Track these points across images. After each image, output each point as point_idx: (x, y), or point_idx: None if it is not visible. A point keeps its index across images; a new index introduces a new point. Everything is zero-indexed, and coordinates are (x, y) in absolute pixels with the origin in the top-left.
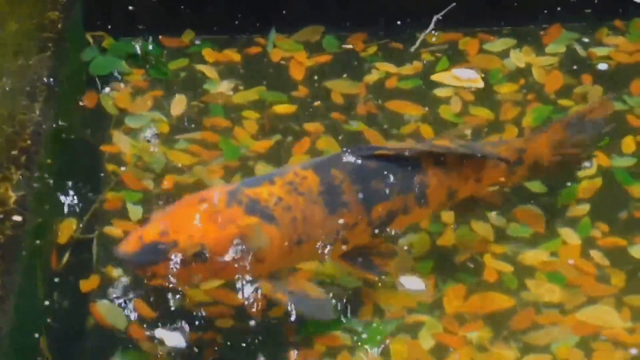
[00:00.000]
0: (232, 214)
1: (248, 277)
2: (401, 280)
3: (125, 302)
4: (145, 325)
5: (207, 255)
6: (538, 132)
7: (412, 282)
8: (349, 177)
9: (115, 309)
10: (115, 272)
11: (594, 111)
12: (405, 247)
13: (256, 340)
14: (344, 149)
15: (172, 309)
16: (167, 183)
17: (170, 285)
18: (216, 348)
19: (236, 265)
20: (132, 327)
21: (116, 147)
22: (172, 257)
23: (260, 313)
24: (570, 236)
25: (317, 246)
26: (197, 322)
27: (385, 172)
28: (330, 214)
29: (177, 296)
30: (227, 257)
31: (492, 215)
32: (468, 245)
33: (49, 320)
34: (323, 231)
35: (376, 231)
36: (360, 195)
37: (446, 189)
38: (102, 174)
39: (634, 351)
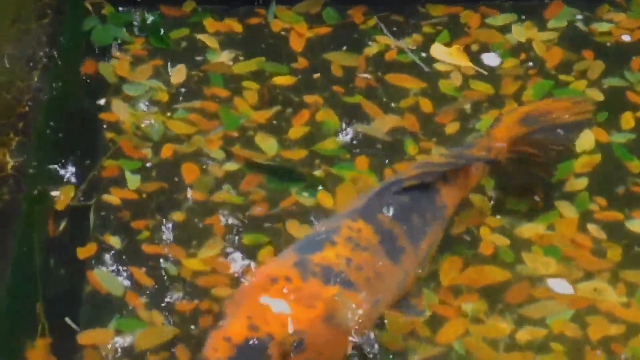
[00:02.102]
0: (312, 289)
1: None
2: None
3: (122, 269)
4: (141, 293)
5: (305, 344)
6: (494, 126)
7: None
8: (393, 219)
9: (112, 277)
10: (112, 239)
11: (558, 112)
12: None
13: None
14: (375, 191)
15: (168, 276)
16: (166, 152)
17: None
18: (212, 317)
19: (332, 348)
20: (128, 295)
21: (115, 115)
22: (273, 353)
23: None
24: (567, 210)
25: (389, 303)
26: (193, 291)
27: (419, 204)
28: (394, 263)
29: (174, 264)
30: (324, 341)
31: (489, 188)
32: (465, 218)
33: (45, 286)
34: (393, 283)
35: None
36: (409, 236)
37: (455, 206)
38: (100, 142)
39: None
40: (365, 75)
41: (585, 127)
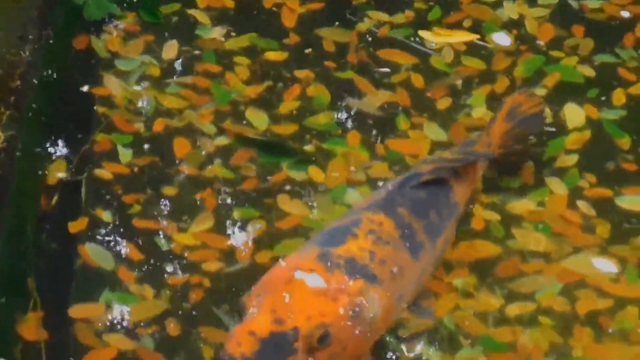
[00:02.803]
0: (337, 282)
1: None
2: None
3: (113, 244)
4: (132, 267)
5: (330, 337)
6: (491, 124)
7: None
8: (412, 214)
9: (103, 251)
10: (104, 214)
11: (523, 105)
12: None
13: (242, 284)
14: (393, 185)
15: (159, 251)
16: (158, 126)
17: None
18: (202, 291)
19: (356, 343)
20: (119, 269)
21: (107, 89)
22: (299, 347)
23: (247, 257)
24: (557, 186)
25: (410, 300)
26: (184, 265)
27: (435, 201)
28: (414, 258)
29: (165, 239)
30: (349, 335)
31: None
32: None
33: (37, 261)
34: (413, 279)
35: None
36: (427, 232)
37: (465, 203)
38: (92, 116)
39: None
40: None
41: (543, 118)
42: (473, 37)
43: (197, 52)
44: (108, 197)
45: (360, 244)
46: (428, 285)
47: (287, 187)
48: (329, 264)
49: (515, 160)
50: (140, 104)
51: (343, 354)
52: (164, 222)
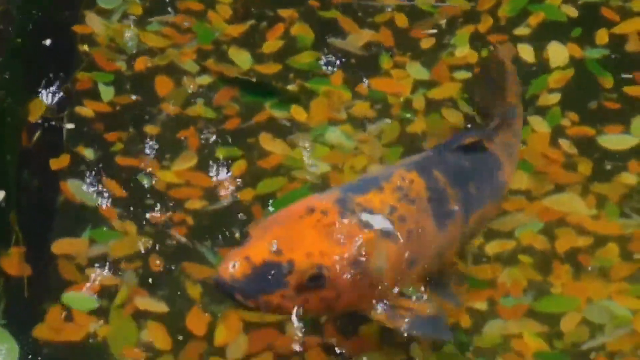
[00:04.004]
0: (347, 228)
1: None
2: None
3: (95, 181)
4: (115, 204)
5: (325, 279)
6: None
7: None
8: (449, 180)
9: (86, 188)
10: (86, 151)
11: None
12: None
13: (225, 222)
14: (436, 146)
15: (142, 188)
16: (140, 64)
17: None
18: (185, 229)
19: (353, 294)
20: (101, 206)
21: (88, 27)
22: (290, 282)
23: (230, 195)
24: (539, 125)
25: (424, 268)
26: (166, 203)
27: (479, 174)
28: (439, 225)
29: (147, 176)
30: (346, 283)
31: (463, 103)
32: (438, 132)
33: (19, 196)
34: (433, 247)
35: (461, 247)
36: (461, 203)
37: (509, 185)
38: (73, 54)
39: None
40: None
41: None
42: None
43: None
44: (90, 135)
45: (384, 197)
46: (461, 276)
47: (270, 127)
48: (344, 208)
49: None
50: (122, 42)
51: (337, 302)
52: (147, 160)
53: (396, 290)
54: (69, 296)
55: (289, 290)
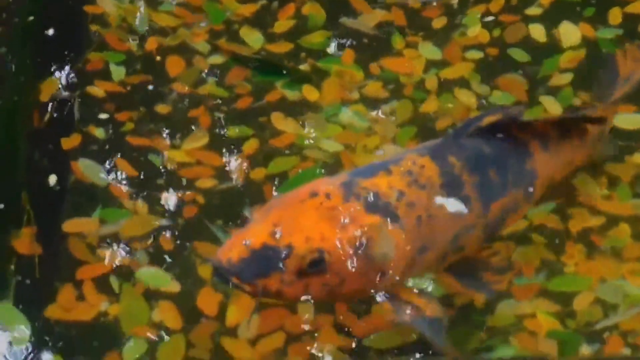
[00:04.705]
0: (351, 212)
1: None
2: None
3: (106, 160)
4: (126, 183)
5: (325, 264)
6: (612, 99)
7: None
8: (466, 165)
9: (96, 167)
10: (97, 131)
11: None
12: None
13: (236, 201)
14: (455, 131)
15: (153, 167)
16: (151, 44)
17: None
18: (196, 208)
19: (357, 280)
20: (113, 185)
21: (100, 7)
22: (289, 266)
23: (241, 174)
24: (551, 105)
25: (438, 257)
26: (177, 182)
27: (501, 160)
28: (452, 212)
29: (158, 156)
30: (348, 268)
31: (475, 83)
32: (450, 112)
33: (30, 176)
34: (445, 236)
35: (488, 236)
36: (479, 189)
37: (549, 178)
38: (85, 34)
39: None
40: None
41: None
42: None
43: None
44: (101, 114)
45: (392, 181)
46: (503, 266)
47: (282, 106)
48: (349, 192)
49: None
50: (133, 22)
51: (341, 288)
52: (157, 140)
53: (405, 279)
54: (144, 272)
55: (287, 274)
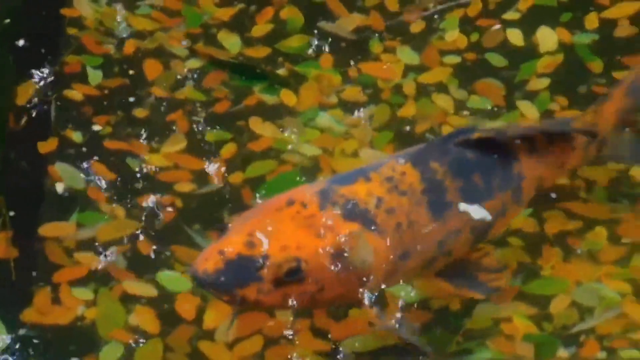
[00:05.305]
0: (328, 219)
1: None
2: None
3: (84, 164)
4: (103, 187)
5: (303, 273)
6: (601, 102)
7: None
8: (448, 171)
9: (73, 171)
10: (74, 135)
11: None
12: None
13: (214, 205)
14: (439, 138)
15: (130, 171)
16: (128, 48)
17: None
18: (174, 211)
19: (337, 288)
20: (90, 189)
21: (77, 10)
22: (265, 275)
23: (220, 178)
24: (528, 109)
25: (423, 262)
26: (155, 186)
27: (486, 164)
28: (435, 217)
29: (136, 160)
30: (327, 276)
31: (453, 87)
32: (428, 116)
33: (6, 180)
34: (429, 241)
35: (477, 240)
36: (462, 194)
37: (537, 180)
38: (62, 38)
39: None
40: None
41: None
42: None
43: None
44: (78, 118)
45: (371, 188)
46: (500, 265)
47: (260, 110)
48: (325, 200)
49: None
50: (111, 25)
51: (321, 295)
52: (135, 144)
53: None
54: (163, 275)
55: (265, 284)
